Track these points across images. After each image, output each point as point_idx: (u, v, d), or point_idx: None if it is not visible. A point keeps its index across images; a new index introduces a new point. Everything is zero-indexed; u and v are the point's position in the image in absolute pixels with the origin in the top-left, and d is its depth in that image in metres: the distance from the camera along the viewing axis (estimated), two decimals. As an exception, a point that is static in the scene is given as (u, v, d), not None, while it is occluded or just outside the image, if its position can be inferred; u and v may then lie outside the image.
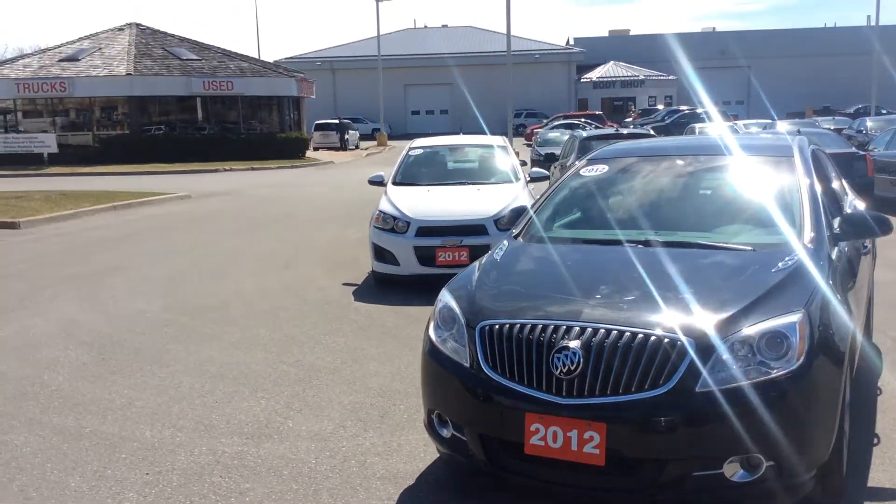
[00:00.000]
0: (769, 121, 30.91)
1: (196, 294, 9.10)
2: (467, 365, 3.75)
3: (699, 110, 43.71)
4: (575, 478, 3.47)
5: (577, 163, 5.44)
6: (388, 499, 4.05)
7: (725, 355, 3.36)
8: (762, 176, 4.87)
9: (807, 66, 61.27)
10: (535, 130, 37.61)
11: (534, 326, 3.62)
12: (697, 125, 26.52)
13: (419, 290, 8.79)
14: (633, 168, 5.26)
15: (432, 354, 3.98)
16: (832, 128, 25.65)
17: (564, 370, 3.44)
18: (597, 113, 47.63)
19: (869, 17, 79.34)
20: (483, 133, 13.83)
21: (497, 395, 3.60)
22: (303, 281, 9.69)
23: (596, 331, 3.49)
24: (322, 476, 4.32)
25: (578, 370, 3.42)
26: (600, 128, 28.26)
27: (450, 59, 59.00)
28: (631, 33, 69.31)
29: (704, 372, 3.33)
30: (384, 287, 9.10)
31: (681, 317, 3.51)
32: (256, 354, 6.63)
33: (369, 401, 5.48)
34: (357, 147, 46.86)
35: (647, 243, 4.38)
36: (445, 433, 3.90)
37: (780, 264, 3.95)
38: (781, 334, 3.41)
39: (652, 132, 17.51)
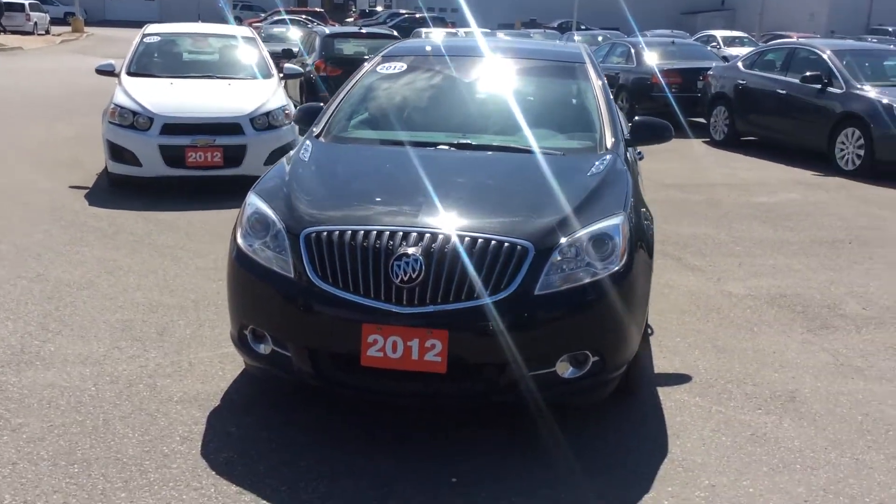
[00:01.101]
0: (488, 30, 32.08)
1: None
2: (291, 276, 3.42)
3: (418, 15, 44.13)
4: (414, 386, 3.34)
5: (366, 65, 5.10)
6: (195, 423, 3.66)
7: (560, 258, 3.36)
8: (561, 81, 4.92)
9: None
10: (255, 24, 35.79)
11: (367, 233, 3.37)
12: (423, 30, 26.81)
13: (166, 192, 8.07)
14: (433, 67, 5.05)
15: (244, 265, 3.59)
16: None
17: (406, 278, 3.25)
18: (318, 10, 46.36)
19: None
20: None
21: (329, 307, 3.33)
22: (19, 185, 8.44)
23: (435, 236, 3.32)
24: (109, 404, 3.80)
25: (420, 278, 3.24)
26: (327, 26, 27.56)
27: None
28: (350, -70, 67.69)
29: (542, 275, 3.30)
30: (123, 190, 8.19)
31: (518, 221, 3.46)
32: (-14, 269, 5.69)
33: (140, 317, 4.92)
34: (48, 32, 41.73)
35: (461, 146, 4.25)
36: (263, 349, 3.57)
37: (592, 169, 4.01)
38: (607, 236, 3.47)
39: (395, 33, 17.29)
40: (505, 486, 3.20)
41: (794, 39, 14.18)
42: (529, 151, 4.26)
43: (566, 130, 4.58)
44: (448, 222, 3.41)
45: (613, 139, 4.37)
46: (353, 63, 13.63)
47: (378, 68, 4.98)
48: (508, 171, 3.98)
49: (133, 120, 8.09)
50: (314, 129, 4.56)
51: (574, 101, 4.75)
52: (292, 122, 8.68)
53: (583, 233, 3.43)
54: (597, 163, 4.08)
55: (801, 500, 3.14)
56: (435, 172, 3.96)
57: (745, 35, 32.22)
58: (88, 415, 3.69)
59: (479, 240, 3.32)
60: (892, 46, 15.06)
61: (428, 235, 3.33)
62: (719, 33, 31.88)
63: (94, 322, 4.82)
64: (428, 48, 5.39)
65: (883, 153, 9.90)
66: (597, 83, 4.81)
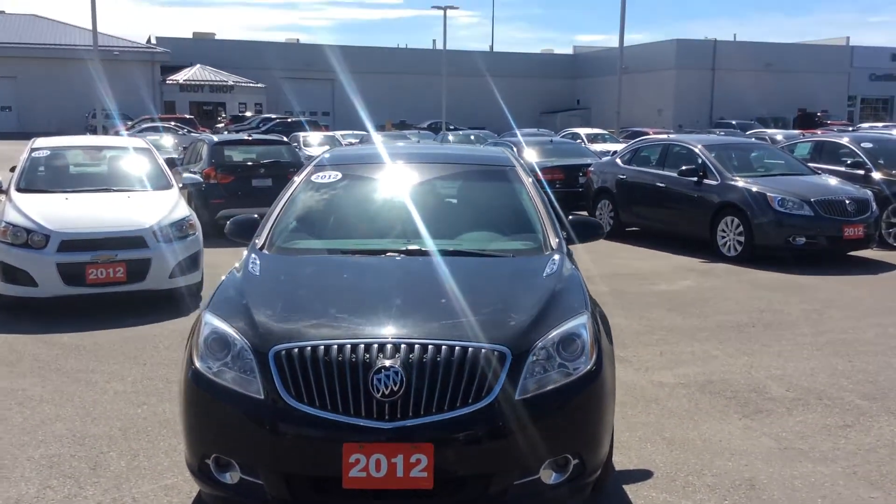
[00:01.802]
0: (364, 132, 32.63)
1: None
2: (261, 397, 3.28)
3: (290, 119, 44.39)
4: None
5: (302, 173, 5.07)
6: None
7: (535, 361, 3.37)
8: (495, 184, 5.02)
9: (386, 83, 65.43)
10: (120, 132, 34.99)
11: (341, 347, 3.29)
12: (301, 134, 26.97)
13: (65, 313, 7.63)
14: (367, 174, 5.07)
15: (204, 389, 3.42)
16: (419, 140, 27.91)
17: (387, 391, 3.17)
18: (187, 117, 45.94)
19: (435, 41, 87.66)
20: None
21: (304, 428, 3.20)
22: None
23: (411, 346, 3.28)
24: (55, 553, 3.47)
25: (401, 390, 3.18)
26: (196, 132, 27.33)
27: (12, 49, 52.56)
28: (216, 37, 68.08)
29: (521, 380, 3.31)
30: (15, 312, 7.70)
31: (490, 326, 3.46)
32: None
33: (67, 451, 4.57)
34: None
35: (411, 252, 4.26)
36: (230, 478, 3.37)
37: (546, 270, 4.09)
38: (576, 335, 3.52)
39: (284, 138, 17.29)
40: None
41: (666, 137, 15.06)
42: (478, 254, 4.32)
43: (508, 232, 4.67)
44: (421, 331, 3.38)
45: (557, 239, 4.48)
46: (246, 169, 13.63)
47: (313, 178, 4.95)
48: (465, 275, 4.01)
49: (27, 238, 7.67)
50: (257, 242, 4.46)
51: (511, 203, 4.86)
52: (197, 233, 8.51)
53: (554, 333, 3.47)
54: (549, 264, 4.16)
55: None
56: (392, 280, 3.95)
57: (605, 132, 34.06)
58: (34, 567, 3.36)
59: (457, 347, 3.30)
60: (752, 139, 16.24)
61: (404, 346, 3.29)
62: (582, 130, 33.55)
63: (17, 460, 4.44)
64: (359, 156, 5.42)
65: (761, 239, 10.57)
66: (529, 184, 4.95)
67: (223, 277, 4.12)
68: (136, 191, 8.94)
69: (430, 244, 4.41)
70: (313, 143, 24.25)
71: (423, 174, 5.04)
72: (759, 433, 4.84)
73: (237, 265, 4.26)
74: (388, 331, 3.37)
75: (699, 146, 12.20)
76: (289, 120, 43.98)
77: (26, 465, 4.37)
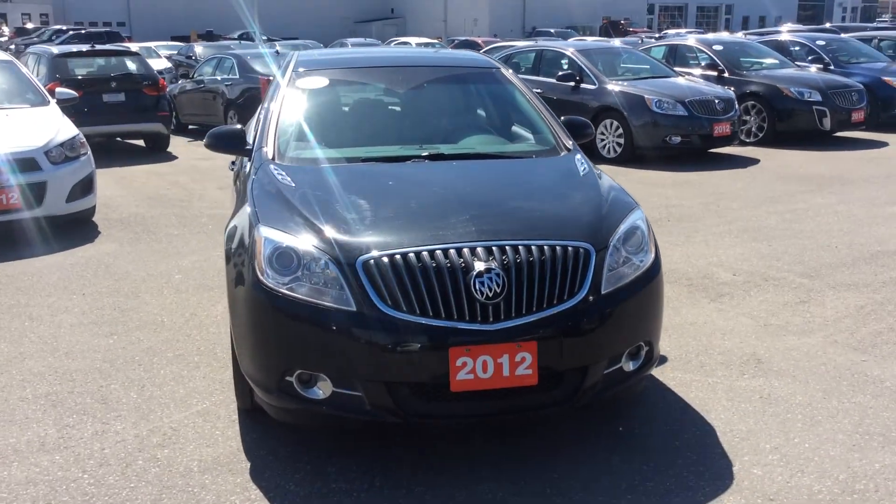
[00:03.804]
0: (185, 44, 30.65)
1: None
2: (352, 308, 3.16)
3: (84, 31, 40.81)
4: (507, 403, 3.24)
5: (280, 74, 4.75)
6: (244, 489, 3.25)
7: (612, 256, 3.45)
8: (488, 86, 4.96)
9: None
10: None
11: (432, 253, 3.21)
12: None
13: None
14: (357, 80, 4.85)
15: (280, 305, 3.25)
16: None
17: (490, 294, 3.15)
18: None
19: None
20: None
21: (407, 336, 3.13)
22: None
23: (503, 248, 3.26)
24: (120, 489, 3.23)
25: (504, 292, 3.17)
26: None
27: None
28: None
29: (604, 274, 3.39)
30: None
31: (569, 225, 3.49)
32: None
33: (60, 388, 4.22)
34: None
35: (434, 157, 4.16)
36: (320, 393, 3.25)
37: (580, 169, 4.14)
38: (637, 228, 3.63)
39: (129, 46, 15.91)
40: (602, 486, 3.25)
41: (534, 43, 15.28)
42: (499, 156, 4.29)
43: (514, 134, 4.66)
44: (507, 232, 3.36)
45: (570, 140, 4.52)
46: (95, 84, 12.51)
47: (298, 83, 4.66)
48: (508, 176, 3.99)
49: None
50: (265, 152, 4.18)
51: (509, 104, 4.83)
52: (88, 153, 7.83)
53: (621, 228, 3.56)
54: (577, 163, 4.20)
55: (848, 443, 3.54)
56: (442, 185, 3.87)
57: (436, 41, 34.07)
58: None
59: (545, 247, 3.32)
60: (618, 43, 16.81)
61: (495, 248, 3.26)
62: (413, 40, 33.36)
63: (8, 403, 4.05)
64: (337, 60, 5.16)
65: (641, 140, 11.11)
66: (520, 85, 4.94)
67: (250, 190, 3.87)
68: (12, 108, 8.05)
69: (445, 148, 4.34)
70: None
71: (413, 78, 4.88)
72: (735, 313, 5.22)
73: (251, 178, 3.98)
74: (473, 234, 3.33)
75: (572, 50, 12.53)
76: (83, 32, 40.39)
77: (25, 407, 3.99)
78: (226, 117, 14.31)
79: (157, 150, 13.21)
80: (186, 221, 8.11)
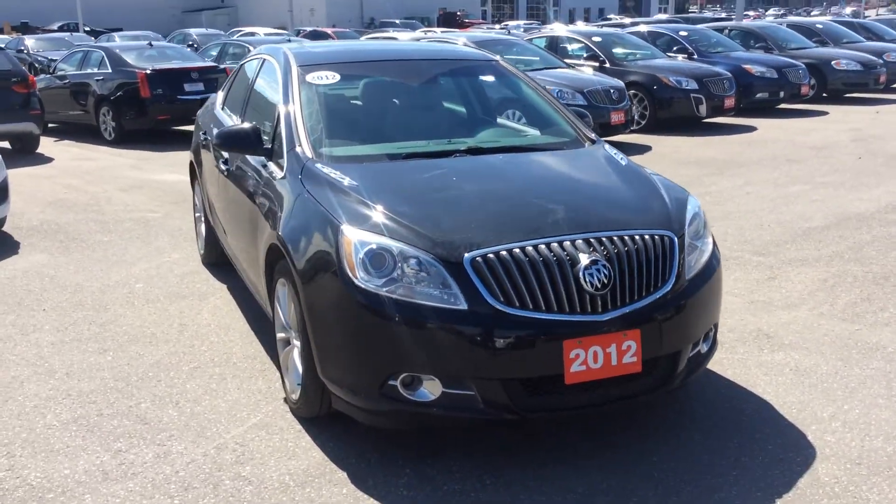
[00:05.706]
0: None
1: None
2: (463, 307, 3.12)
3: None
4: (615, 391, 3.31)
5: (289, 73, 4.51)
6: (355, 501, 3.13)
7: (687, 243, 3.59)
8: (492, 80, 4.98)
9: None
10: None
11: (536, 247, 3.23)
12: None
13: None
14: (367, 74, 4.71)
15: (380, 308, 3.15)
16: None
17: (599, 285, 3.20)
18: None
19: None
20: None
21: (522, 331, 3.13)
22: None
23: (600, 240, 3.32)
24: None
25: (611, 283, 3.23)
26: None
27: None
28: None
29: (685, 261, 3.52)
30: None
31: (649, 215, 3.59)
32: None
33: (86, 411, 3.88)
34: None
35: (473, 151, 4.14)
36: (429, 394, 3.19)
37: (619, 159, 4.24)
38: (698, 215, 3.79)
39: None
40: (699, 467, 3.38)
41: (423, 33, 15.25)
42: (534, 149, 4.32)
43: (535, 124, 4.71)
44: (598, 224, 3.42)
45: (591, 131, 4.61)
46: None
47: (307, 78, 4.47)
48: (561, 170, 4.05)
49: None
50: (303, 151, 3.99)
51: (521, 95, 4.87)
52: (0, 157, 7.19)
53: (688, 215, 3.70)
54: (613, 154, 4.29)
55: (892, 407, 3.85)
56: (504, 181, 3.87)
57: (284, 31, 33.31)
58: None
59: (636, 237, 3.40)
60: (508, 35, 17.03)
61: (593, 240, 3.31)
62: (260, 30, 32.44)
63: (35, 433, 3.69)
64: (336, 53, 4.99)
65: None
66: (523, 76, 4.98)
67: (291, 198, 3.71)
68: None
69: (477, 142, 4.34)
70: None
71: (420, 72, 4.82)
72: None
73: (298, 178, 3.80)
74: (564, 227, 3.36)
75: (463, 40, 12.63)
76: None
77: (59, 435, 3.65)
78: (97, 114, 13.41)
79: (25, 153, 12.20)
80: (109, 227, 7.58)
